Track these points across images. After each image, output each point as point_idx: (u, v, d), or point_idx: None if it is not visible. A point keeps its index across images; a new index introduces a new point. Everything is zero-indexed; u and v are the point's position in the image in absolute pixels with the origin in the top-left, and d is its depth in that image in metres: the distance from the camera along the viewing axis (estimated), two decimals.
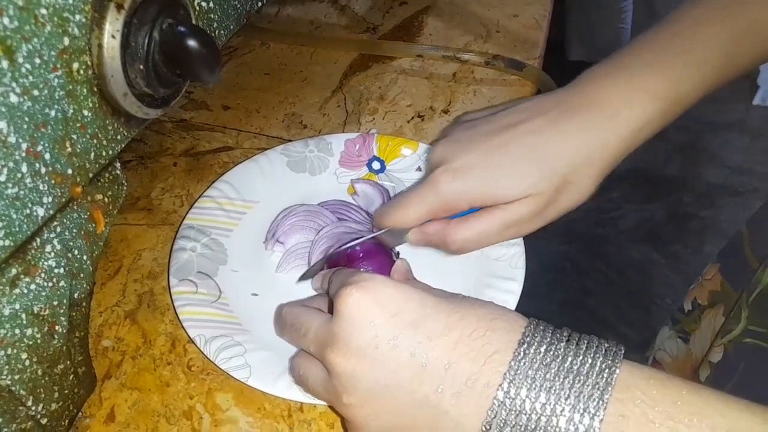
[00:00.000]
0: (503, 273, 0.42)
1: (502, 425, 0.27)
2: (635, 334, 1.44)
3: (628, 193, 1.79)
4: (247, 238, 0.46)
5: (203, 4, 0.38)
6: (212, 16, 0.39)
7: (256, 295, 0.42)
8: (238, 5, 0.42)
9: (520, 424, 0.26)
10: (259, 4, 0.45)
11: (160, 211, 0.49)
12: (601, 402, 0.26)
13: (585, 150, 0.37)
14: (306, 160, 0.51)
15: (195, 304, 0.40)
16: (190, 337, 0.38)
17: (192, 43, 0.31)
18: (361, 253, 0.41)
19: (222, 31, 0.41)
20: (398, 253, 0.45)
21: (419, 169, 0.51)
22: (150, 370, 0.39)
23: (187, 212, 0.46)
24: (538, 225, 0.39)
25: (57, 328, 0.31)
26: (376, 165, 0.51)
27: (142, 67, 0.31)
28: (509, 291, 0.41)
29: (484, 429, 0.27)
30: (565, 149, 0.37)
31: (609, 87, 0.38)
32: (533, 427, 0.26)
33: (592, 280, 1.61)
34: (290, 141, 0.54)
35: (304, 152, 0.51)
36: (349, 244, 0.42)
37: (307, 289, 0.42)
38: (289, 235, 0.45)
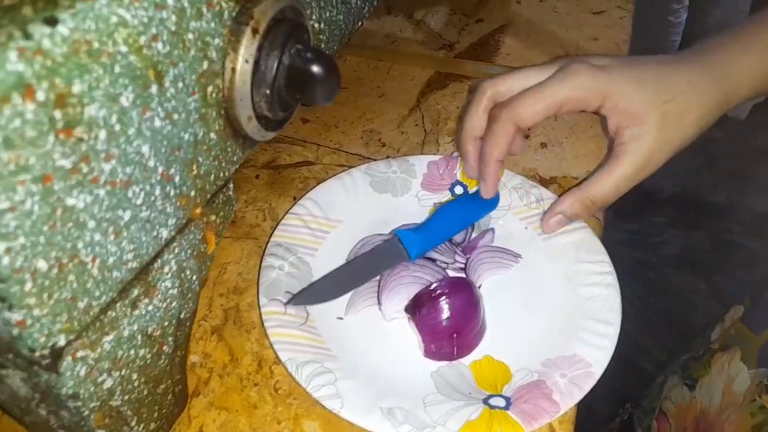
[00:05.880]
0: (597, 315, 0.41)
1: None
2: (674, 363, 1.41)
3: (672, 218, 1.75)
4: (331, 259, 0.45)
5: (315, 25, 0.38)
6: (321, 37, 0.39)
7: (341, 318, 0.42)
8: (343, 25, 0.42)
9: None
10: (360, 23, 0.45)
11: (243, 224, 0.48)
12: None
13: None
14: (389, 180, 0.50)
15: (284, 325, 0.39)
16: (279, 359, 0.38)
17: (317, 69, 0.31)
18: (447, 288, 0.40)
19: (327, 52, 0.40)
20: (480, 286, 0.44)
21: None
22: (237, 390, 0.38)
23: (274, 229, 0.45)
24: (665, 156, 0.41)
25: (165, 348, 0.31)
26: (458, 190, 0.51)
27: (267, 91, 0.30)
28: (605, 335, 0.39)
29: None
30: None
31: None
32: None
33: (630, 304, 1.58)
34: (369, 158, 0.54)
35: (387, 173, 0.51)
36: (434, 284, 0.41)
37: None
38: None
